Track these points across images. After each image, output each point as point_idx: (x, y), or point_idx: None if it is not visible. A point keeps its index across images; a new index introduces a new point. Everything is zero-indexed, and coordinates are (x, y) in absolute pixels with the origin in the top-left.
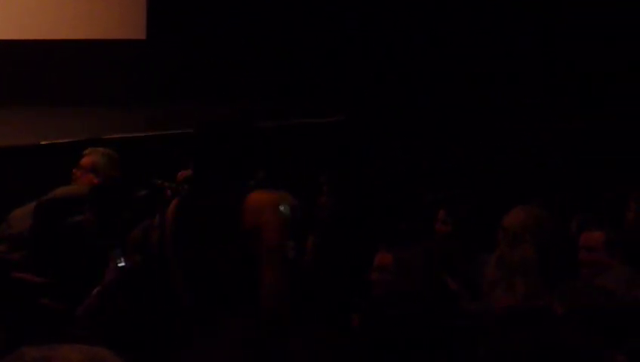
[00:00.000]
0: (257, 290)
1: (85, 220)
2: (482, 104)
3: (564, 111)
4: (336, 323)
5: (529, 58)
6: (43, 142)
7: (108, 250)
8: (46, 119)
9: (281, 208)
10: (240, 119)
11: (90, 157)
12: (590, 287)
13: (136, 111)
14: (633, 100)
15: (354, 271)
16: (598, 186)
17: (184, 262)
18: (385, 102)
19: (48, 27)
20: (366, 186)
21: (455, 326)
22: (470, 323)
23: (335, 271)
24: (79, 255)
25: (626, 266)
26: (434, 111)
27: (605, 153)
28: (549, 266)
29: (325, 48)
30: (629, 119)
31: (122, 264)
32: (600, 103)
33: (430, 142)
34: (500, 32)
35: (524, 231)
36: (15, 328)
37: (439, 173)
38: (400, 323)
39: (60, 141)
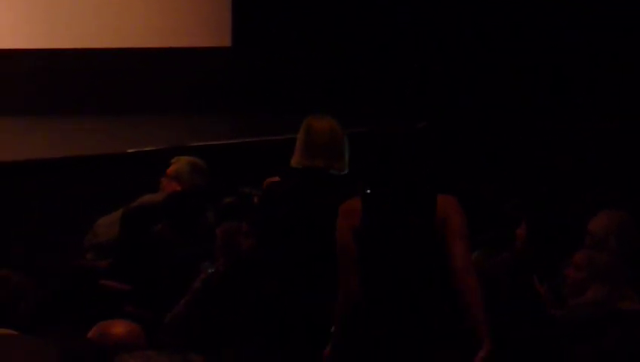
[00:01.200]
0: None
1: (161, 228)
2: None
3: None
4: None
5: None
6: (129, 151)
7: (192, 258)
8: (133, 127)
9: None
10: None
11: (175, 165)
12: None
13: (222, 119)
14: None
15: None
16: None
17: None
18: (459, 108)
19: (136, 35)
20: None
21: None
22: (559, 327)
23: None
24: (161, 263)
25: None
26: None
27: None
28: (632, 270)
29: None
30: None
31: (211, 270)
32: None
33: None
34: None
35: (609, 236)
36: None
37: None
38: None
39: (146, 149)
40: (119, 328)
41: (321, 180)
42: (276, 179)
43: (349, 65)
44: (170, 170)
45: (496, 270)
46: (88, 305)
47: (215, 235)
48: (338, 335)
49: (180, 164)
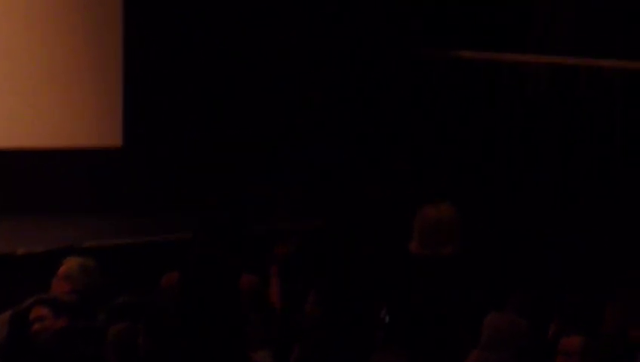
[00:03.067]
0: None
1: (51, 329)
2: None
3: None
4: None
5: None
6: (20, 252)
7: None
8: (23, 228)
9: None
10: None
11: (66, 266)
12: None
13: (113, 219)
14: None
15: None
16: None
17: None
18: None
19: (26, 135)
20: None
21: None
22: None
23: None
24: None
25: None
26: None
27: None
28: None
29: None
30: None
31: None
32: None
33: None
34: None
35: None
36: None
37: None
38: None
39: (37, 251)
40: None
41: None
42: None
43: (239, 168)
44: (61, 270)
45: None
46: None
47: (106, 336)
48: None
49: (70, 264)
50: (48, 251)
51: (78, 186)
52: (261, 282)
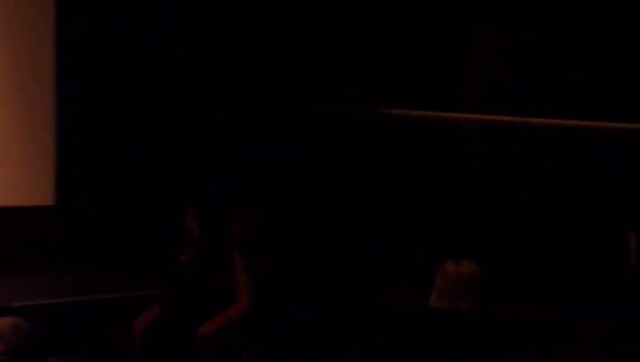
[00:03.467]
0: None
1: None
2: None
3: None
4: None
5: None
6: None
7: None
8: None
9: None
10: None
11: None
12: None
13: (45, 278)
14: None
15: None
16: None
17: None
18: None
19: None
20: None
21: None
22: None
23: None
24: None
25: None
26: None
27: None
28: None
29: None
30: None
31: None
32: None
33: None
34: None
35: None
36: None
37: None
38: None
39: None
40: None
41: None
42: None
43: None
44: None
45: None
46: None
47: None
48: None
49: (1, 324)
50: None
51: (9, 245)
52: None
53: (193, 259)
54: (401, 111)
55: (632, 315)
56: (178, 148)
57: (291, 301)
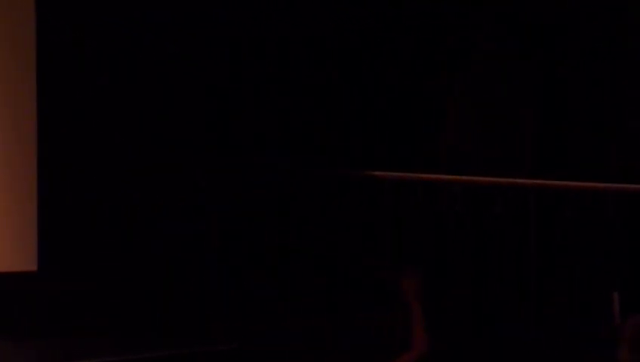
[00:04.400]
0: None
1: None
2: None
3: None
4: None
5: None
6: None
7: None
8: None
9: None
10: None
11: None
12: None
13: (28, 344)
14: None
15: None
16: None
17: None
18: None
19: None
20: None
21: None
22: None
23: None
24: None
25: None
26: None
27: None
28: None
29: None
30: None
31: None
32: None
33: None
34: None
35: None
36: None
37: None
38: None
39: None
40: None
41: None
42: None
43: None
44: None
45: None
46: None
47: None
48: None
49: None
50: None
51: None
52: None
53: None
54: (383, 172)
55: None
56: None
57: None
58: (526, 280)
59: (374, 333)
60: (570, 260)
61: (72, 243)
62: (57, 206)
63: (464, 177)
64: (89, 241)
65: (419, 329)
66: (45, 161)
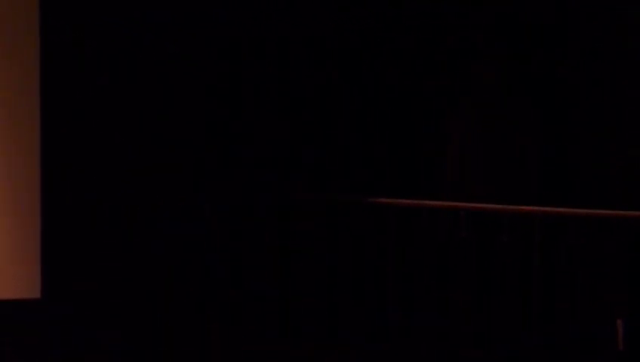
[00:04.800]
0: None
1: None
2: None
3: None
4: None
5: None
6: None
7: None
8: None
9: None
10: None
11: None
12: None
13: None
14: None
15: None
16: None
17: None
18: None
19: None
20: None
21: None
22: None
23: None
24: None
25: None
26: None
27: None
28: None
29: None
30: None
31: None
32: None
33: None
34: None
35: None
36: None
37: None
38: None
39: None
40: None
41: None
42: None
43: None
44: None
45: None
46: None
47: None
48: None
49: None
50: None
51: None
52: None
53: None
54: (388, 199)
55: None
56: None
57: None
58: (529, 305)
59: None
60: (574, 287)
61: (75, 272)
62: (61, 231)
63: (469, 204)
64: (93, 269)
65: None
66: (49, 179)
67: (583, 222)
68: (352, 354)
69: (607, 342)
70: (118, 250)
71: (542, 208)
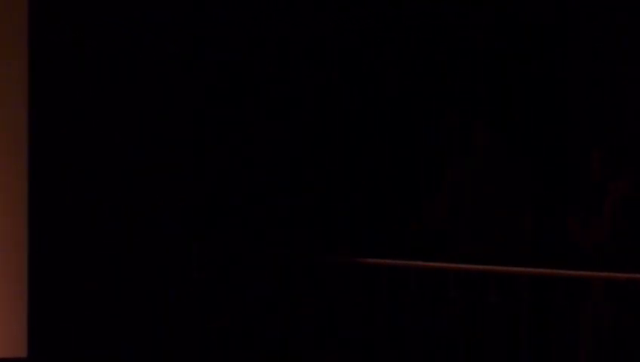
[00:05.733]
0: None
1: None
2: None
3: None
4: None
5: None
6: None
7: None
8: None
9: None
10: None
11: None
12: None
13: None
14: None
15: None
16: None
17: None
18: None
19: None
20: None
21: None
22: None
23: None
24: None
25: None
26: None
27: None
28: None
29: None
30: None
31: None
32: None
33: None
34: None
35: None
36: None
37: None
38: None
39: None
40: None
41: None
42: None
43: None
44: None
45: None
46: None
47: None
48: None
49: None
50: None
51: None
52: None
53: None
54: (376, 260)
55: None
56: None
57: None
58: None
59: None
60: (563, 347)
61: (61, 331)
62: (48, 289)
63: (459, 265)
64: (81, 327)
65: None
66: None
67: (570, 282)
68: None
69: None
70: (105, 309)
71: (531, 269)
